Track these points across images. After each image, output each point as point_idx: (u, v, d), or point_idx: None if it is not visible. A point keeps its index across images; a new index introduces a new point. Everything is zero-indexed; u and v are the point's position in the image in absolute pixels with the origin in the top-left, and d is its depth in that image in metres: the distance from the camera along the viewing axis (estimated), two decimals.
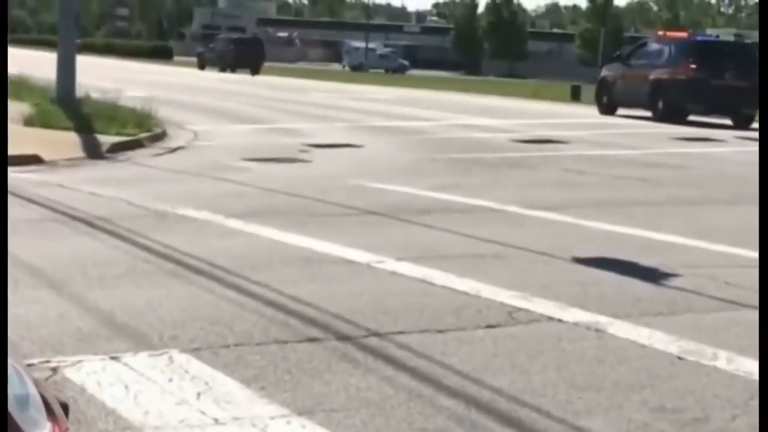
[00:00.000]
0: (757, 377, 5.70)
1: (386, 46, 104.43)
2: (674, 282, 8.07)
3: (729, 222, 11.37)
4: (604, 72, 32.79)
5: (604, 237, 10.07)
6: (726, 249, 9.54)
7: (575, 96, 40.46)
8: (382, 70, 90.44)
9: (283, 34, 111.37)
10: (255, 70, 61.05)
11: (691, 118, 28.79)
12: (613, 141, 21.63)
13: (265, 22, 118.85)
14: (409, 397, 5.15)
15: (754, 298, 7.58)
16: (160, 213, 10.36)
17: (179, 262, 8.04)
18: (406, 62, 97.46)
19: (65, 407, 2.68)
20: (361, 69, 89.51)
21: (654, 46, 31.30)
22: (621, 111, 30.79)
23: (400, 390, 5.25)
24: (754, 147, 21.90)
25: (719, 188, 14.46)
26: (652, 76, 29.47)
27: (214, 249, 8.59)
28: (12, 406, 2.37)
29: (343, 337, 6.14)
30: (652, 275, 8.28)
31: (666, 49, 30.07)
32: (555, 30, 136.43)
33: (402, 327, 6.41)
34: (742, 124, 28.57)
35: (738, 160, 18.89)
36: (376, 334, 6.22)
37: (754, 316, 7.14)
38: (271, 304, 6.85)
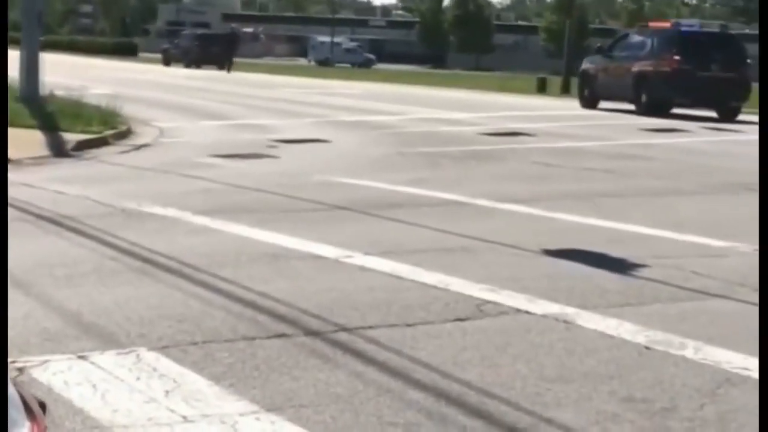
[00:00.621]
0: (724, 366, 5.74)
1: (352, 40, 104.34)
2: (642, 273, 8.10)
3: (696, 212, 11.43)
4: (586, 65, 31.96)
5: (572, 229, 10.10)
6: (693, 239, 9.59)
7: (541, 88, 40.57)
8: (349, 65, 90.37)
9: (248, 29, 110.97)
10: (225, 66, 59.87)
11: (675, 110, 28.23)
12: (580, 133, 21.70)
13: (230, 17, 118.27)
14: (379, 392, 5.14)
15: (722, 288, 7.64)
16: (127, 211, 10.30)
17: (146, 260, 8.00)
18: (372, 56, 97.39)
19: (42, 406, 2.67)
20: (327, 64, 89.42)
21: (636, 37, 30.51)
22: (603, 104, 30.16)
23: (370, 385, 5.25)
24: (720, 137, 22.06)
25: (686, 179, 14.54)
26: (635, 68, 28.78)
27: (181, 246, 8.55)
28: None
29: (312, 333, 6.13)
30: (620, 266, 8.32)
31: (649, 41, 29.33)
32: (520, 22, 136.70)
33: (371, 322, 6.40)
34: (728, 116, 27.84)
35: (704, 150, 19.00)
36: (345, 329, 6.22)
37: (720, 305, 7.19)
38: (239, 300, 6.82)
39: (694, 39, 29.18)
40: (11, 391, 2.53)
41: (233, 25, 64.47)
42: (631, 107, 28.60)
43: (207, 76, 50.45)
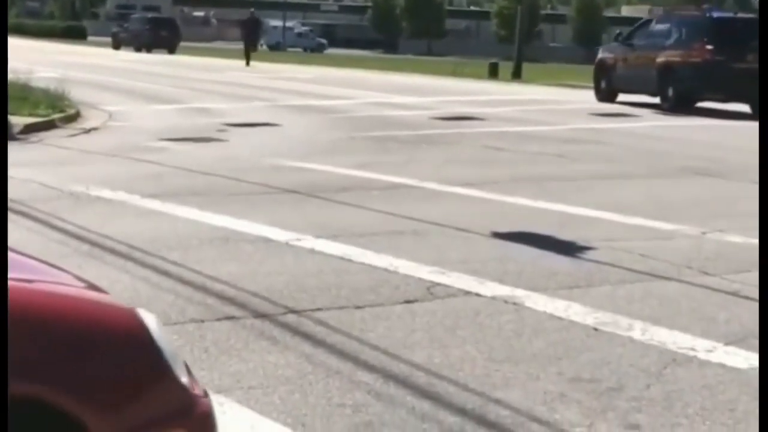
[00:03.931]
0: (671, 347, 5.80)
1: (304, 25, 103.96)
2: (591, 255, 8.16)
3: (644, 196, 11.51)
4: (602, 54, 29.03)
5: (521, 212, 10.14)
6: (641, 222, 9.66)
7: (493, 73, 40.64)
8: (300, 49, 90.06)
9: (199, 13, 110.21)
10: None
11: (702, 104, 25.43)
12: (530, 117, 21.78)
13: (180, 1, 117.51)
14: (328, 374, 5.14)
15: (669, 270, 7.71)
16: (75, 194, 10.22)
17: (95, 244, 7.94)
18: (324, 41, 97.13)
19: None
20: (278, 48, 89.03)
21: (660, 24, 27.23)
22: (623, 97, 27.34)
23: (318, 366, 5.25)
24: (669, 122, 22.22)
25: (635, 163, 14.64)
26: (661, 58, 25.70)
27: (130, 230, 8.49)
28: (167, 357, 2.92)
29: (261, 315, 6.11)
30: (569, 249, 8.37)
31: (676, 28, 26.28)
32: (472, 8, 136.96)
33: (320, 304, 6.40)
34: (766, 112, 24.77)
35: (654, 135, 19.13)
36: (294, 312, 6.21)
37: (667, 287, 7.26)
38: (188, 283, 6.79)
39: (728, 26, 25.80)
40: (172, 348, 2.98)
41: (174, 8, 56.76)
42: (656, 101, 25.88)
43: (157, 60, 50.08)
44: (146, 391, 2.86)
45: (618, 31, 31.42)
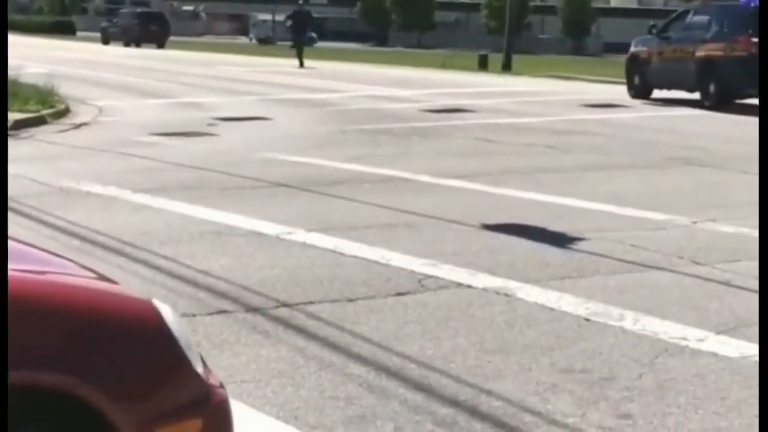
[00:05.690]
0: (662, 336, 5.82)
1: None
2: (582, 246, 8.17)
3: (635, 186, 11.53)
4: (635, 47, 27.29)
5: (513, 204, 10.15)
6: (632, 212, 9.68)
7: (483, 65, 40.63)
8: (291, 43, 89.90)
9: (188, 7, 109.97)
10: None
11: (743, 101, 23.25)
12: (521, 109, 21.79)
13: None
14: (320, 367, 5.15)
15: (660, 260, 7.72)
16: (66, 190, 10.20)
17: (85, 239, 7.94)
18: (313, 34, 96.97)
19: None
20: (269, 42, 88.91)
21: (699, 16, 25.63)
22: (657, 93, 25.76)
23: (311, 360, 5.25)
24: (660, 112, 22.24)
25: (626, 153, 14.65)
26: (700, 52, 24.14)
27: (121, 224, 8.48)
28: (183, 347, 2.98)
29: (253, 309, 6.12)
30: (561, 240, 8.38)
31: (716, 20, 24.62)
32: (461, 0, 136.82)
33: (312, 297, 6.41)
34: None
35: (644, 126, 19.15)
36: (287, 305, 6.21)
37: (658, 276, 7.27)
38: (180, 278, 6.79)
39: None
40: (188, 339, 3.04)
41: (163, 3, 53.97)
42: (695, 97, 24.40)
43: (146, 54, 49.97)
44: (164, 381, 2.91)
45: (652, 23, 29.06)
